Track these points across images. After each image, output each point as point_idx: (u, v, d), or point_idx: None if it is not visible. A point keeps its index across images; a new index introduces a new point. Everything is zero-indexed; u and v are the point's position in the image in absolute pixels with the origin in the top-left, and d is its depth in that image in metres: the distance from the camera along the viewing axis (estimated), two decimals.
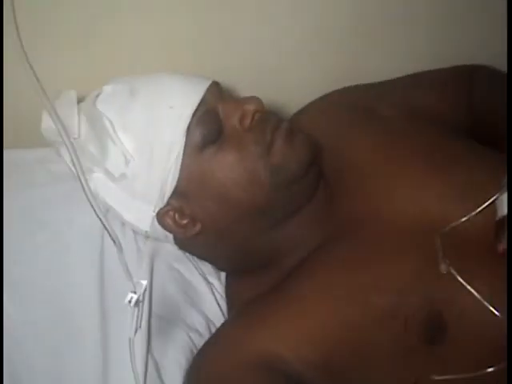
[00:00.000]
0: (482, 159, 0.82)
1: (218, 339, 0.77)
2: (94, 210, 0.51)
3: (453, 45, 1.02)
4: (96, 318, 0.76)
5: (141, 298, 0.55)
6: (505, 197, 0.73)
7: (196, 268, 0.86)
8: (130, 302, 0.55)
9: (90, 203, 0.51)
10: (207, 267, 0.87)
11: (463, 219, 0.74)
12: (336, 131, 0.88)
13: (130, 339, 0.58)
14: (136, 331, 0.58)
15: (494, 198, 0.74)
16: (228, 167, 0.75)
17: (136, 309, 0.56)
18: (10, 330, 0.72)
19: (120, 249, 0.54)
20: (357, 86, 0.98)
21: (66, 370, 0.73)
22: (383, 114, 0.91)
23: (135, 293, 0.55)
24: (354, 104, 0.93)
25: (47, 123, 0.76)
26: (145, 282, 0.56)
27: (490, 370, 0.68)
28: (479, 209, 0.74)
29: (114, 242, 0.52)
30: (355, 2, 0.96)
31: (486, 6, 1.01)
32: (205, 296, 0.84)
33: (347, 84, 0.97)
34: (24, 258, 0.78)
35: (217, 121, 0.75)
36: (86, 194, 0.50)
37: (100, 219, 0.51)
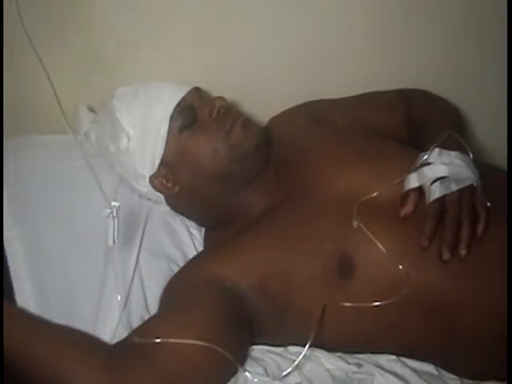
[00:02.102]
0: (400, 154, 1.09)
1: (186, 265, 1.08)
2: None
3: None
4: (101, 248, 1.05)
5: (114, 214, 0.87)
6: (411, 176, 1.00)
7: (182, 222, 1.18)
8: (107, 215, 0.87)
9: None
10: (192, 223, 1.19)
11: (375, 193, 1.00)
12: (298, 131, 1.19)
13: (109, 246, 0.90)
14: (114, 241, 0.89)
15: (402, 178, 1.01)
16: (198, 145, 1.06)
17: (112, 222, 0.87)
18: (41, 254, 1.04)
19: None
20: (320, 101, 1.28)
21: (77, 283, 1.04)
22: (335, 122, 1.22)
23: (110, 209, 0.87)
24: (315, 113, 1.24)
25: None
26: (117, 204, 0.87)
27: (376, 303, 0.94)
28: (389, 186, 1.00)
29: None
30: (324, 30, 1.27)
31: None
32: (186, 242, 1.16)
33: (313, 98, 1.28)
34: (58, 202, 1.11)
35: (192, 112, 1.06)
36: None
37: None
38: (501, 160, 1.29)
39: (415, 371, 1.02)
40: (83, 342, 0.92)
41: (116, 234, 0.88)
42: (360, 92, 1.28)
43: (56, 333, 0.91)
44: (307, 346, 0.94)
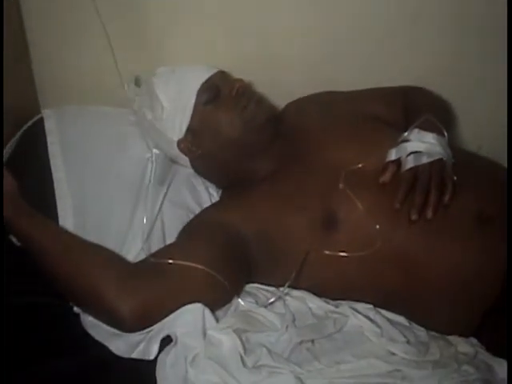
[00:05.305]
0: (389, 136, 1.26)
1: (201, 210, 1.31)
2: None
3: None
4: (134, 191, 1.30)
5: (153, 159, 1.11)
6: (392, 151, 1.19)
7: (203, 183, 1.41)
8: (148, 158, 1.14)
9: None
10: (211, 185, 1.42)
11: (360, 164, 1.21)
12: (307, 114, 1.40)
13: (146, 186, 1.14)
14: (150, 181, 1.12)
15: (386, 153, 1.20)
16: (218, 117, 1.28)
17: (150, 165, 1.11)
18: (83, 192, 1.29)
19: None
20: (330, 92, 1.48)
21: (110, 217, 1.27)
22: (339, 109, 1.40)
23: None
24: (324, 101, 1.44)
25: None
26: (158, 151, 1.13)
27: (352, 254, 1.13)
28: (373, 158, 1.20)
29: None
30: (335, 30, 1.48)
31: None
32: (204, 198, 1.39)
33: (327, 89, 1.48)
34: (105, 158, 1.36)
35: (215, 90, 1.29)
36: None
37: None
38: (500, 159, 1.38)
39: (387, 319, 1.16)
40: (111, 256, 1.15)
41: (152, 175, 1.12)
42: (368, 82, 1.47)
43: (89, 245, 1.14)
44: (288, 283, 1.14)
